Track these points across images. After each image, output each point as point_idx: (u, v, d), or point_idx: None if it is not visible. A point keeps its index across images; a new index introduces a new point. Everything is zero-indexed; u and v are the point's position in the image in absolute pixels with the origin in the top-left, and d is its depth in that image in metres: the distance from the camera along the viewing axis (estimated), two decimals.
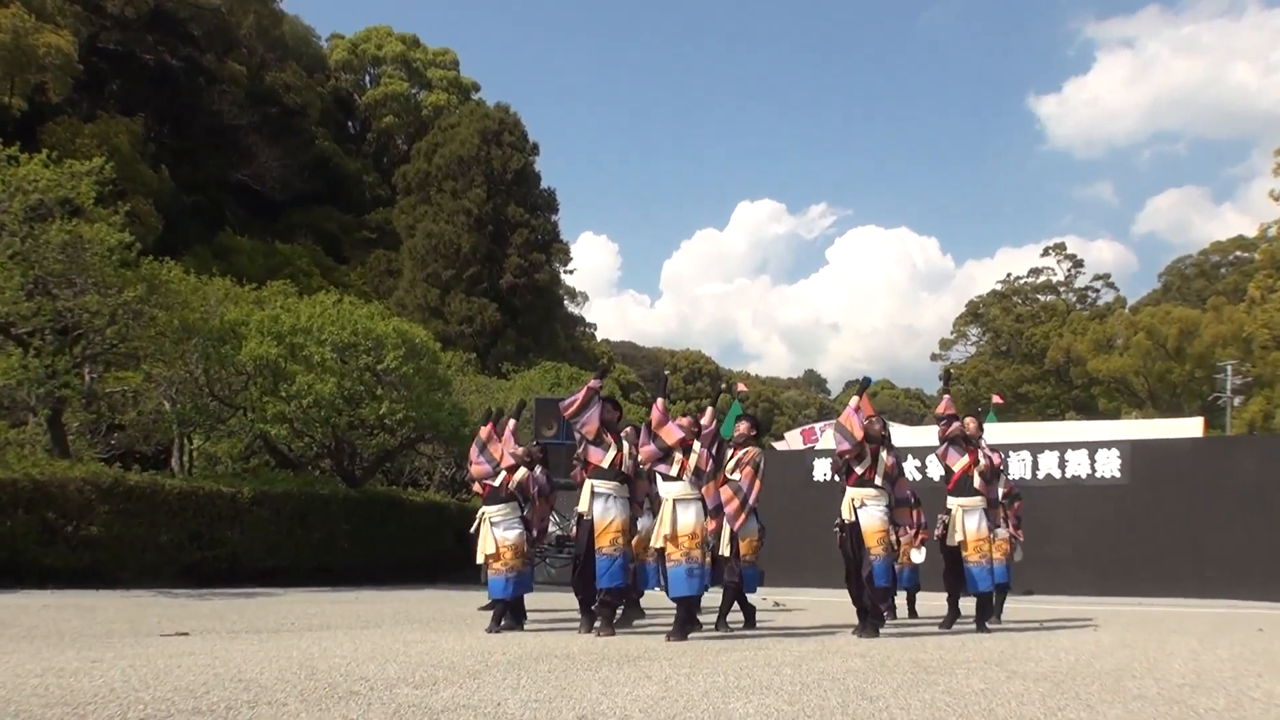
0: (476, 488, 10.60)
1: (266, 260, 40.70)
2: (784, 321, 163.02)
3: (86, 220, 17.98)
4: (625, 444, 9.53)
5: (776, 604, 14.83)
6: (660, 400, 9.36)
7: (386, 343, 20.56)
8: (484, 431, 10.49)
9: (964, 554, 10.40)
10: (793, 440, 38.29)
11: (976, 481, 10.43)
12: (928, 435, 27.55)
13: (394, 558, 21.20)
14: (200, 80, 44.18)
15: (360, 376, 20.32)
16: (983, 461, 10.35)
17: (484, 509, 10.21)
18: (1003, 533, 10.82)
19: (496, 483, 10.17)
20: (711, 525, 9.00)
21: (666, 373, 12.01)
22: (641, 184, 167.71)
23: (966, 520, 10.48)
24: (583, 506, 9.39)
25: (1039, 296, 70.84)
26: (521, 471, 10.45)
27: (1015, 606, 14.20)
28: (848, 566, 9.75)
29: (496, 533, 10.04)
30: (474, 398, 28.18)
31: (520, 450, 10.66)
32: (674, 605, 9.03)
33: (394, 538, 21.28)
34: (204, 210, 43.41)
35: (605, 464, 9.38)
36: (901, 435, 27.70)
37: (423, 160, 48.32)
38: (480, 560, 10.26)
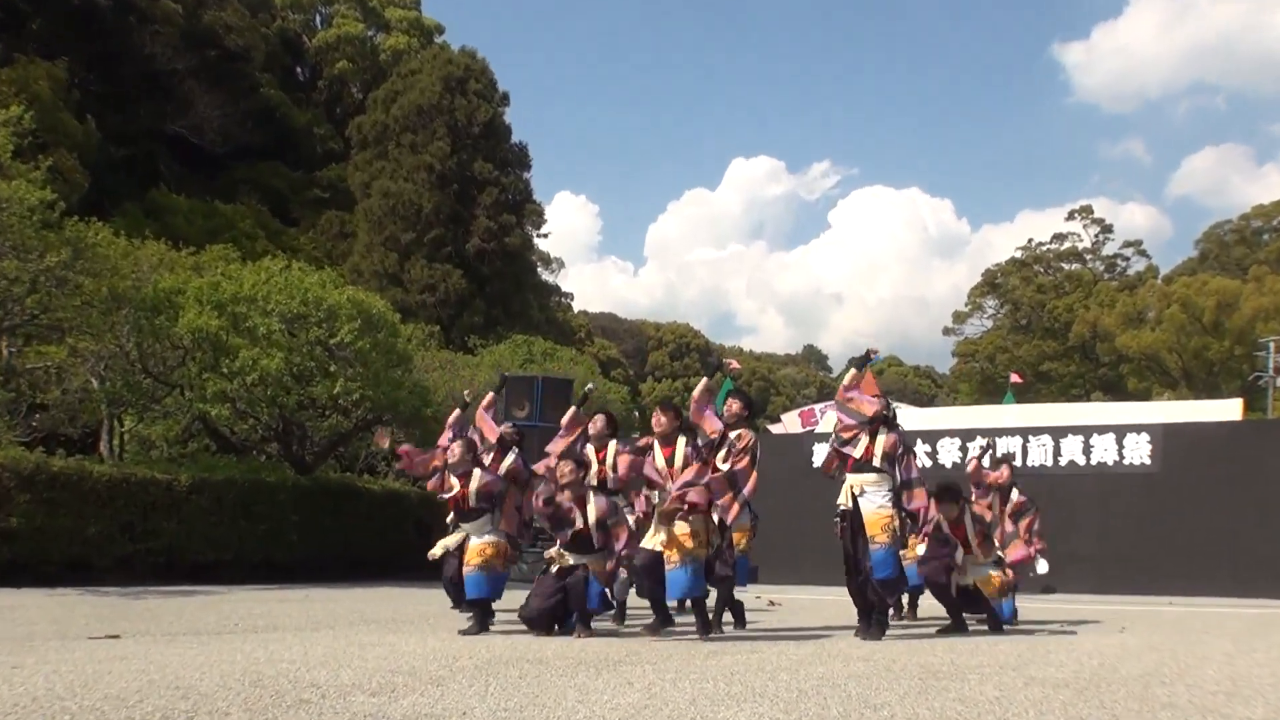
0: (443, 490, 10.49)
1: (205, 221, 40.49)
2: (782, 292, 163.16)
3: (3, 176, 17.85)
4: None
5: (771, 603, 14.90)
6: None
7: (340, 314, 20.49)
8: (477, 413, 10.56)
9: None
10: (790, 422, 38.37)
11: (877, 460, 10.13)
12: (940, 417, 27.66)
13: (349, 552, 21.18)
14: (130, 19, 43.81)
15: (311, 351, 20.26)
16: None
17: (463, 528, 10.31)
18: (994, 571, 10.84)
19: (473, 488, 10.07)
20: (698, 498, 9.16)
21: (590, 386, 12.07)
22: (624, 138, 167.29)
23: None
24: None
25: (1063, 265, 71.03)
26: (509, 459, 10.62)
27: (1034, 606, 14.30)
28: (847, 562, 9.81)
29: (473, 540, 10.13)
30: (437, 375, 28.13)
31: (505, 428, 10.85)
32: (648, 606, 9.27)
33: (349, 530, 21.27)
34: (135, 165, 43.10)
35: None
36: (910, 418, 27.82)
37: (380, 111, 48.10)
38: (437, 553, 10.31)
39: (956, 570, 10.72)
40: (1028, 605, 14.37)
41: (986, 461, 12.47)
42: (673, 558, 8.96)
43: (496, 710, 5.18)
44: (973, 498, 11.51)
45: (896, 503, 9.67)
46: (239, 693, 5.65)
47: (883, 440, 9.75)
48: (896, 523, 9.61)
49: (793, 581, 19.76)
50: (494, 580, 10.08)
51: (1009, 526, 12.20)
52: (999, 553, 11.13)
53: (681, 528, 9.00)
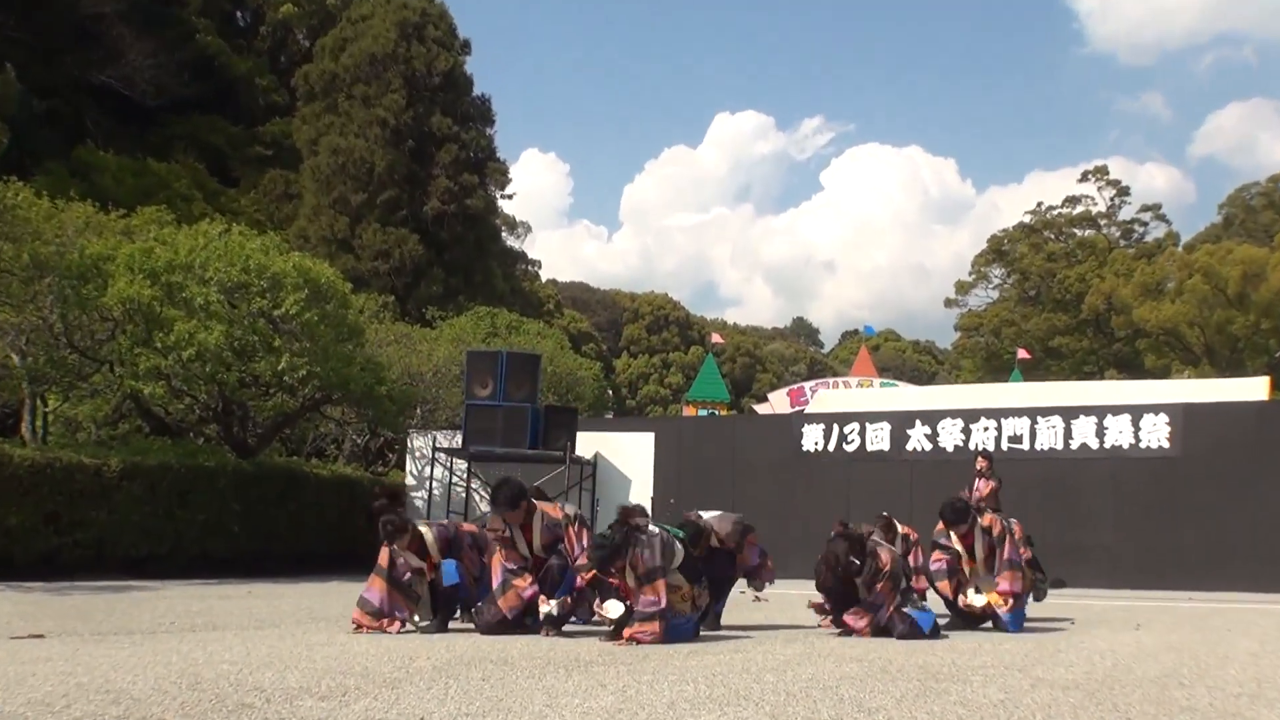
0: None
1: (137, 181, 40.23)
2: (769, 259, 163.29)
3: None
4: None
5: (756, 598, 14.90)
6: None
7: (285, 283, 20.42)
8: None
9: None
10: (777, 402, 38.52)
11: None
12: (941, 396, 27.74)
13: (296, 544, 21.17)
14: None
15: (253, 324, 20.19)
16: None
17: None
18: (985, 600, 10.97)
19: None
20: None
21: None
22: (597, 91, 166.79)
23: None
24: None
25: (1075, 231, 71.15)
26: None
27: (1045, 602, 14.36)
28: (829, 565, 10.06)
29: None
30: (392, 350, 28.08)
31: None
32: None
33: (295, 519, 21.25)
34: (60, 119, 42.79)
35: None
36: (909, 397, 27.96)
37: (328, 60, 47.85)
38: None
39: (964, 583, 10.87)
40: (1034, 602, 14.44)
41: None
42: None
43: (457, 715, 5.18)
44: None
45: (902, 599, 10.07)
46: (175, 697, 5.63)
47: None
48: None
49: (779, 575, 19.80)
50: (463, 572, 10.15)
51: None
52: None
53: (674, 586, 9.36)
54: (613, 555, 9.03)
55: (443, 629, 9.94)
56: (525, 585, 9.61)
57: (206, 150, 47.98)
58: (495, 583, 9.76)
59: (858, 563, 9.83)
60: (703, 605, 9.74)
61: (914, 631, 9.62)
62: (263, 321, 20.35)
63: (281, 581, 18.24)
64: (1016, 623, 10.64)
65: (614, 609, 9.12)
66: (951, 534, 10.93)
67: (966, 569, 10.93)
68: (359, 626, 9.72)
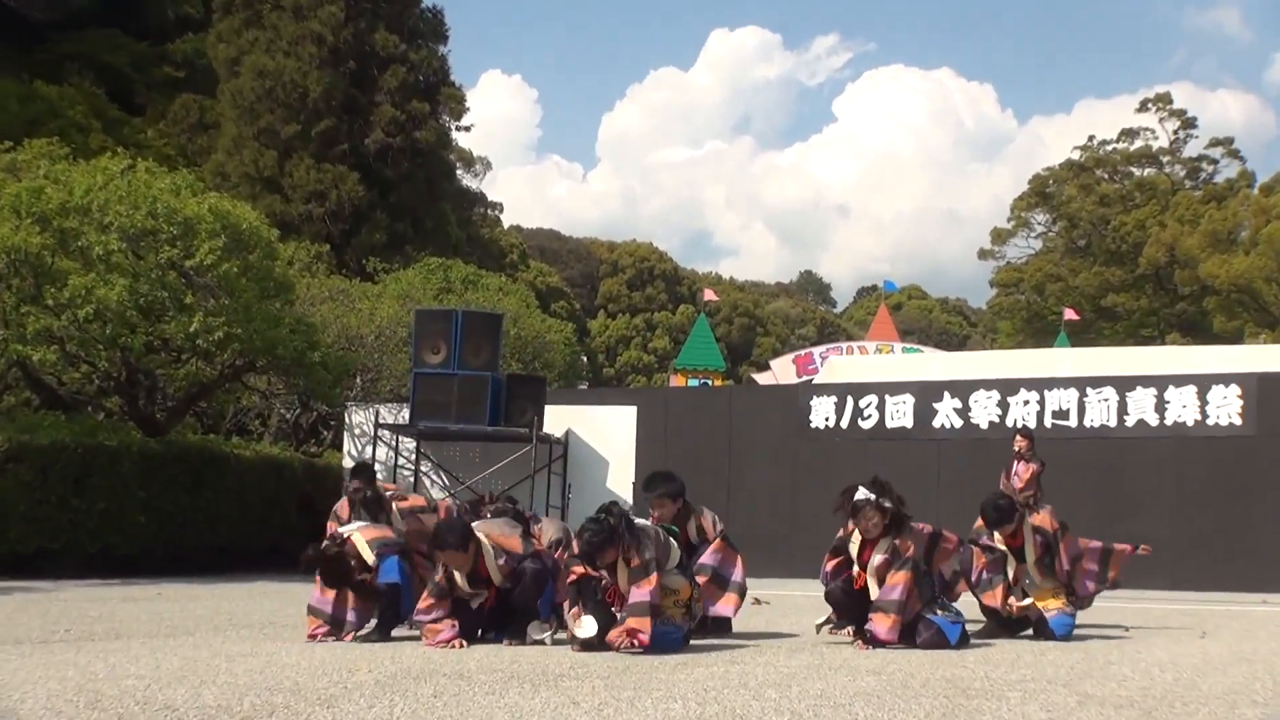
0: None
1: (22, 109, 39.95)
2: (772, 202, 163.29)
3: None
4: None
5: (756, 601, 14.94)
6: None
7: (199, 229, 20.33)
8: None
9: None
10: (781, 370, 38.62)
11: None
12: (974, 364, 27.72)
13: (213, 537, 21.14)
14: None
15: (162, 277, 20.11)
16: None
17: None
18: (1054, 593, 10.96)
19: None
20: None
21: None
22: (572, 2, 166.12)
23: None
24: None
25: (1133, 169, 71.19)
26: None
27: (1094, 606, 14.40)
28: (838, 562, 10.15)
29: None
30: (327, 308, 28.01)
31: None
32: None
33: (212, 508, 21.21)
34: None
35: None
36: (936, 365, 28.01)
37: None
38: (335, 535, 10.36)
39: (1013, 589, 10.87)
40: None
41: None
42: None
43: None
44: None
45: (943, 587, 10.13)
46: (71, 717, 5.63)
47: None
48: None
49: (782, 574, 19.86)
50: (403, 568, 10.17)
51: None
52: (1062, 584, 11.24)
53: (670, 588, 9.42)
54: (606, 542, 9.04)
55: (385, 636, 9.95)
56: (442, 630, 9.51)
57: (105, 72, 47.65)
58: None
59: (889, 505, 9.89)
60: (697, 615, 9.80)
61: (939, 640, 9.64)
62: (173, 275, 20.26)
63: (196, 581, 18.24)
64: (1064, 628, 10.64)
65: (587, 627, 9.14)
66: (996, 534, 10.89)
67: (1012, 572, 10.90)
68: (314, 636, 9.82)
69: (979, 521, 10.98)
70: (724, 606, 10.78)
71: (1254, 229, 58.36)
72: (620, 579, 9.16)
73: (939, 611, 9.82)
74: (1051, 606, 10.67)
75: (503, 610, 9.75)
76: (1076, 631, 11.07)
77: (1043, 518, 10.97)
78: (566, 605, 9.41)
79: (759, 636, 10.68)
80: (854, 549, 10.10)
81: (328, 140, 44.74)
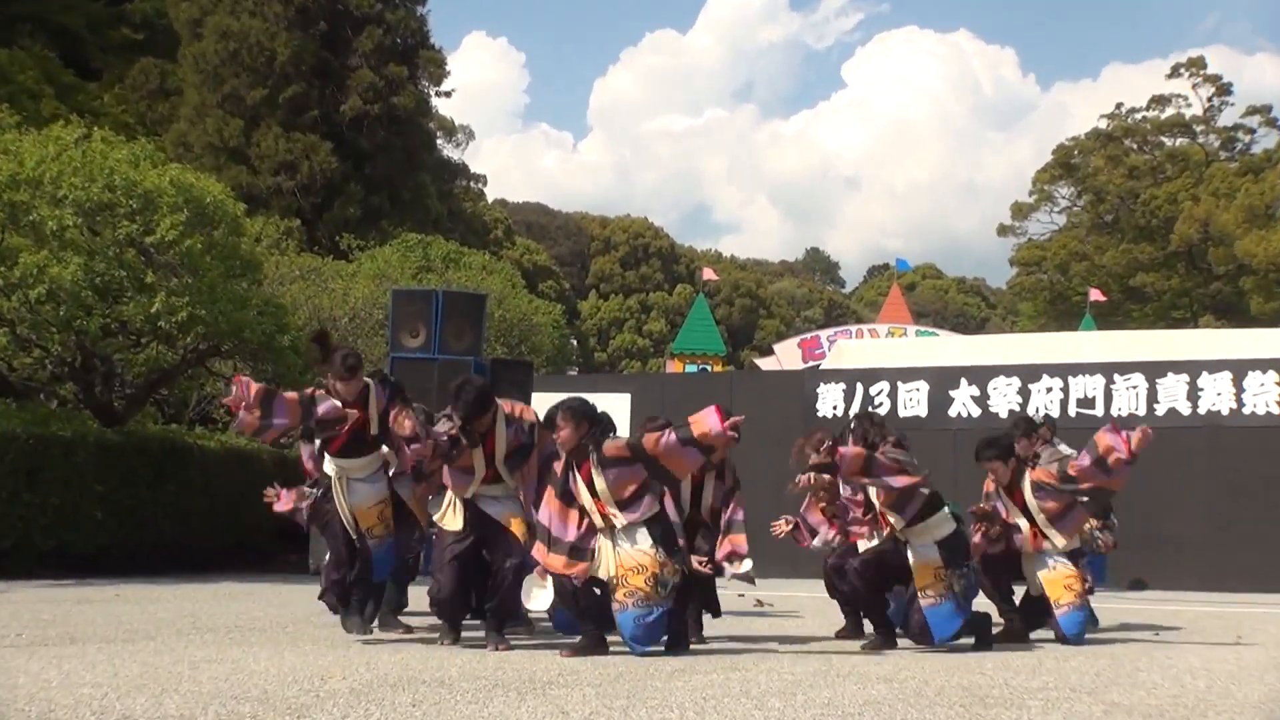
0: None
1: None
2: (776, 175, 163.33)
3: None
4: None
5: (759, 604, 14.99)
6: None
7: (160, 202, 20.30)
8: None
9: None
10: (786, 355, 38.62)
11: None
12: (993, 348, 27.69)
13: (175, 534, 21.12)
14: None
15: (120, 255, 20.09)
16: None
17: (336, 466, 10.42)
18: (1065, 567, 10.93)
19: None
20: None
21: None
22: None
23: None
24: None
25: (1164, 140, 71.08)
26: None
27: (1118, 607, 14.46)
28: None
29: (361, 490, 10.27)
30: (297, 288, 28.01)
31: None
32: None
33: (175, 503, 21.19)
34: None
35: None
36: (952, 349, 28.02)
37: None
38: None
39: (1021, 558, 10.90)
40: (1109, 606, 14.53)
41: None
42: (617, 596, 9.20)
43: None
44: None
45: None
46: None
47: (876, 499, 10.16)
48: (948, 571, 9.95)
49: (787, 574, 19.88)
50: (391, 546, 10.39)
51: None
52: (1081, 539, 11.25)
53: (628, 558, 9.19)
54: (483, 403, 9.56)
55: (362, 629, 10.02)
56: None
57: (59, 34, 47.51)
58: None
59: (879, 441, 9.97)
60: (670, 586, 9.41)
61: (922, 634, 9.75)
62: (132, 252, 20.24)
63: (158, 582, 18.23)
64: (1074, 627, 10.64)
65: (539, 598, 9.24)
66: (1001, 493, 10.89)
67: (1020, 540, 10.88)
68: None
69: (987, 483, 11.04)
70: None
71: None
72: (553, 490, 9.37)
73: (943, 592, 9.81)
74: (1063, 601, 10.66)
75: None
76: (1102, 635, 11.09)
77: (1041, 472, 10.94)
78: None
79: (762, 640, 10.70)
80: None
81: (297, 107, 44.68)
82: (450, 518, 9.87)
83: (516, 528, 9.76)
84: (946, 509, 10.12)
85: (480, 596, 10.19)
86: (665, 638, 9.30)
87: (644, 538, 9.24)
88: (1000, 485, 10.85)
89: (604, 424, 9.75)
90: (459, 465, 9.77)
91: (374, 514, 10.31)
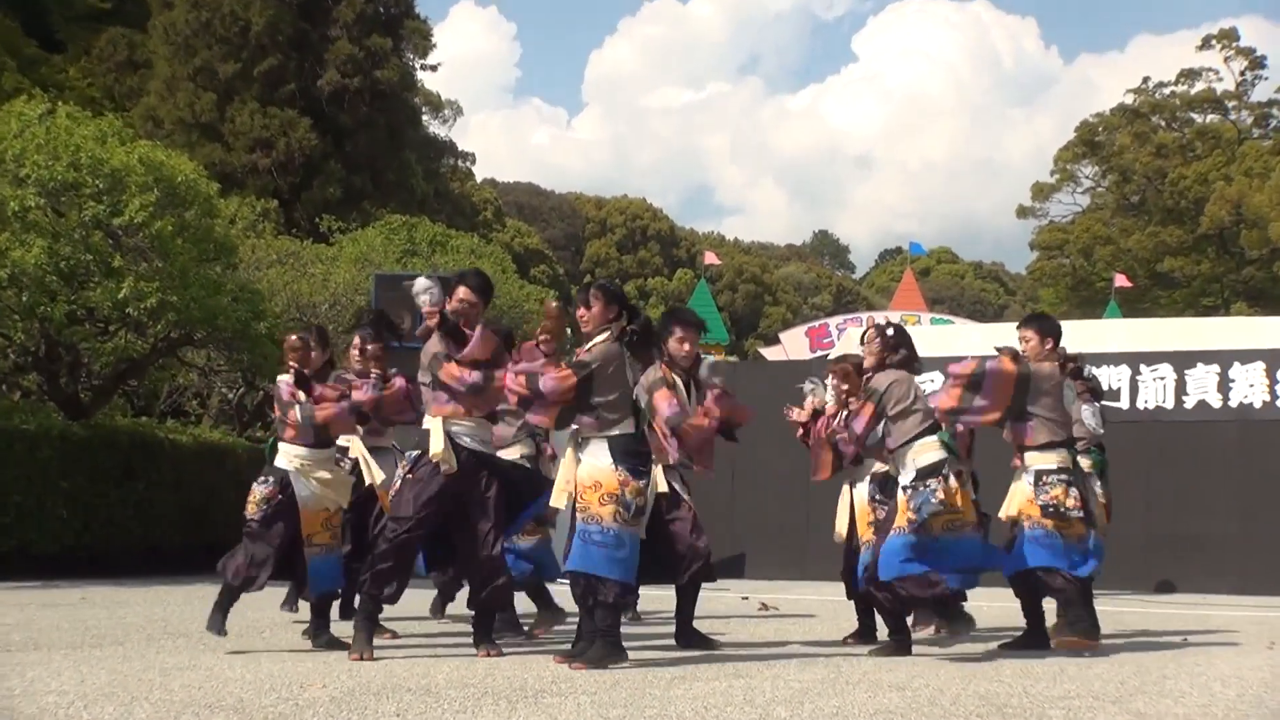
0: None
1: None
2: (783, 153, 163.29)
3: None
4: None
5: (763, 606, 14.99)
6: None
7: (129, 182, 20.29)
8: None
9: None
10: (792, 344, 38.63)
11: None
12: (1010, 338, 27.58)
13: (145, 534, 21.12)
14: None
15: (86, 238, 20.08)
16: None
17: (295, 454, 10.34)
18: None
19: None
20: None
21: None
22: None
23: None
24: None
25: (1193, 116, 71.03)
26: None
27: (1145, 612, 14.47)
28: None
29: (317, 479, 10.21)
30: (275, 273, 27.98)
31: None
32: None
33: (145, 501, 21.19)
34: None
35: None
36: (969, 338, 28.02)
37: None
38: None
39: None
40: (1136, 610, 14.55)
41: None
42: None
43: None
44: None
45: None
46: None
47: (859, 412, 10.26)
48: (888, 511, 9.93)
49: (793, 575, 19.92)
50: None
51: None
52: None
53: (586, 474, 9.10)
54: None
55: (326, 644, 10.02)
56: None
57: (21, 3, 47.51)
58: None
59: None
60: (637, 509, 9.16)
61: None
62: (99, 235, 20.23)
63: (126, 584, 18.24)
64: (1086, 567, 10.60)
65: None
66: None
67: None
68: None
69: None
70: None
71: None
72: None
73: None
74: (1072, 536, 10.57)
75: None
76: (1127, 641, 11.08)
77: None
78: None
79: (767, 646, 10.70)
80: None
81: (274, 81, 44.67)
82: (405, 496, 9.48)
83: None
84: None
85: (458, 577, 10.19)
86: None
87: (604, 453, 9.10)
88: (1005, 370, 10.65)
89: (644, 323, 9.46)
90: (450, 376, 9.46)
91: (319, 519, 10.24)
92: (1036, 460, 10.30)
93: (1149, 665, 9.37)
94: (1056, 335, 10.71)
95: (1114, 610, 14.32)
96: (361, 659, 8.96)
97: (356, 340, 11.55)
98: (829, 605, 14.55)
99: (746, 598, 15.92)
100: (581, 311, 9.32)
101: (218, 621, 10.08)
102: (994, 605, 13.42)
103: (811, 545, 20.07)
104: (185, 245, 20.95)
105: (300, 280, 28.30)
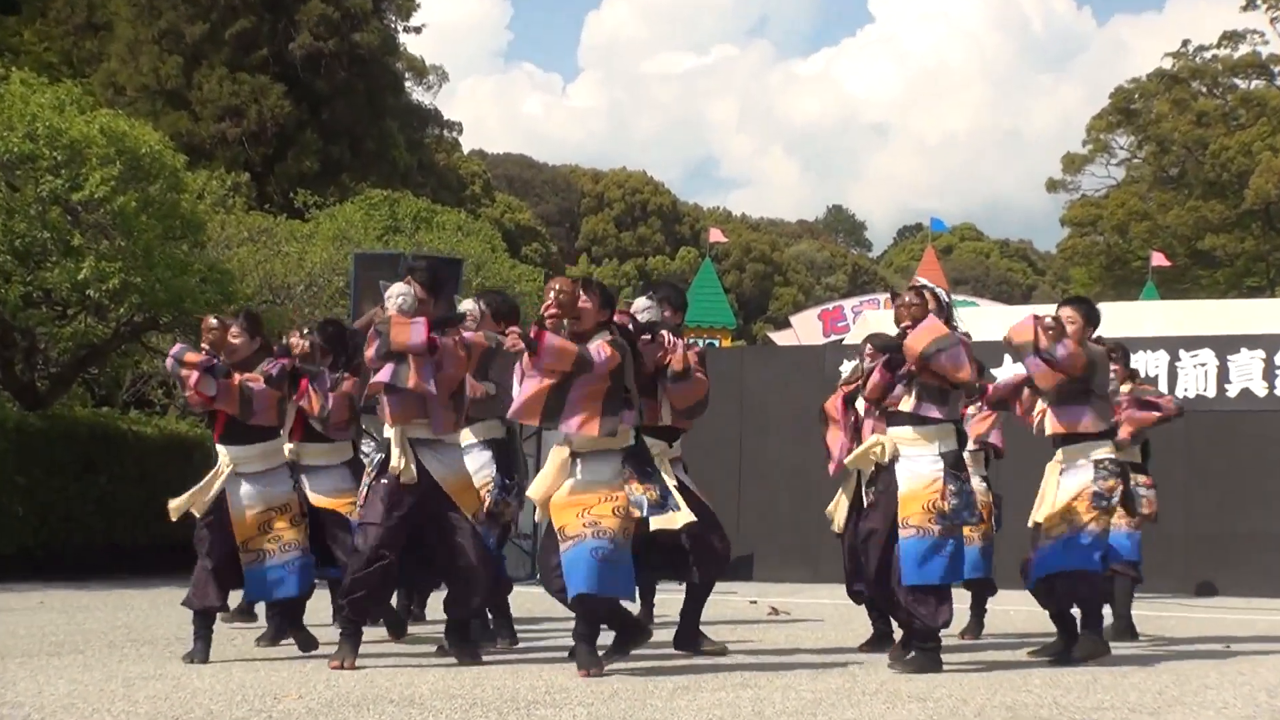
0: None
1: None
2: (794, 122, 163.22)
3: None
4: None
5: (773, 610, 15.01)
6: None
7: (89, 154, 20.28)
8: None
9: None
10: (804, 327, 38.67)
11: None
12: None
13: (107, 532, 21.13)
14: None
15: (43, 214, 20.08)
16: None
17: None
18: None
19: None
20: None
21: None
22: None
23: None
24: None
25: (1237, 82, 70.90)
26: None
27: (1184, 616, 14.49)
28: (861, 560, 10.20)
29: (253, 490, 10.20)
30: (246, 251, 27.96)
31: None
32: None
33: (106, 498, 21.19)
34: None
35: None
36: (993, 322, 28.03)
37: None
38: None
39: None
40: (1176, 614, 14.58)
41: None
42: (570, 529, 9.01)
43: None
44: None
45: (955, 467, 9.80)
46: None
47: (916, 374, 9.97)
48: (951, 502, 9.68)
49: (806, 577, 19.93)
50: (302, 568, 10.28)
51: None
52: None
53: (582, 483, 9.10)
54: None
55: (290, 642, 10.01)
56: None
57: None
58: None
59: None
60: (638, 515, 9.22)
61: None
62: (57, 211, 20.21)
63: (87, 587, 18.26)
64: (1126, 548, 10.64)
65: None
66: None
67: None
68: None
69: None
70: None
71: None
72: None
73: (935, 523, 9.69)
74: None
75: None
76: (1165, 649, 11.08)
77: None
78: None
79: (777, 654, 10.72)
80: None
81: (245, 44, 44.59)
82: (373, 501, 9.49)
83: (466, 500, 9.65)
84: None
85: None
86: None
87: (611, 463, 9.10)
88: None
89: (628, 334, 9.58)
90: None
91: (255, 523, 10.15)
92: (1093, 450, 10.36)
93: (1189, 674, 9.38)
94: (1097, 322, 10.78)
95: (1152, 615, 14.34)
96: (343, 667, 8.97)
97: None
98: (843, 609, 14.56)
99: (755, 601, 15.95)
100: (583, 304, 9.22)
101: (199, 650, 9.87)
102: (1020, 609, 13.43)
103: (824, 545, 20.06)
104: (150, 222, 20.93)
105: (274, 259, 28.27)
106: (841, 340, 30.85)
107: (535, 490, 9.29)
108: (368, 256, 22.05)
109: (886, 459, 9.96)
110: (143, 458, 22.12)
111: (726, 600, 15.19)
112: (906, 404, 9.76)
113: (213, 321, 10.55)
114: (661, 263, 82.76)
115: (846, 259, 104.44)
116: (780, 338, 41.57)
